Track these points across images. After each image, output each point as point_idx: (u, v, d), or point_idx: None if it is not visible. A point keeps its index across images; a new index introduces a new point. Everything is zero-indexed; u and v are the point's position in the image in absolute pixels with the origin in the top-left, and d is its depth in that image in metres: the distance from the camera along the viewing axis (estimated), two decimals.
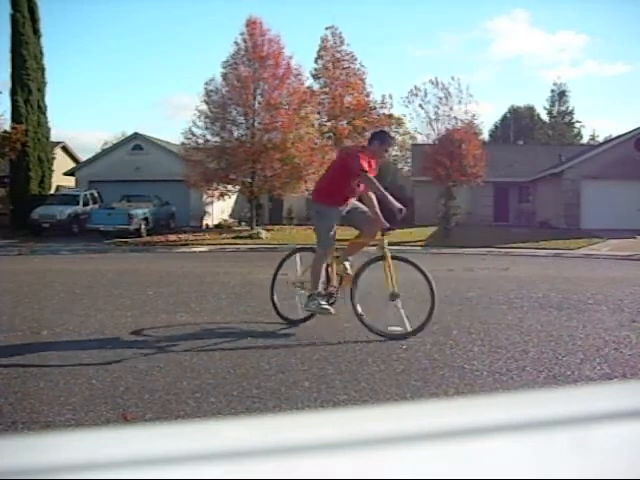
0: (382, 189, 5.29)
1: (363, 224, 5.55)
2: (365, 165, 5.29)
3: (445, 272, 10.60)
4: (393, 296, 5.19)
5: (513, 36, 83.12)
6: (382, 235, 5.36)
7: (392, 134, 5.66)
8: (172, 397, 3.50)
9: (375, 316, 5.18)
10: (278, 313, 5.68)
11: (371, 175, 5.31)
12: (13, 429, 2.99)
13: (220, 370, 4.06)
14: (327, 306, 5.35)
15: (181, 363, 4.26)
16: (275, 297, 5.75)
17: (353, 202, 5.64)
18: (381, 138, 5.55)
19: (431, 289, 5.08)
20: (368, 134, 27.00)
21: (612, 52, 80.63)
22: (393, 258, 5.32)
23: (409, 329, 4.96)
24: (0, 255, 15.73)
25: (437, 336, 5.07)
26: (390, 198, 5.24)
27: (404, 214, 5.31)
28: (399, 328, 4.98)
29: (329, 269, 5.58)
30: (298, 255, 5.81)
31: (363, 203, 5.68)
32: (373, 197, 5.62)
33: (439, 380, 3.84)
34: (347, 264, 5.59)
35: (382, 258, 5.28)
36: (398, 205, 5.24)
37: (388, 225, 5.36)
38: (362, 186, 5.53)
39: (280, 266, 5.85)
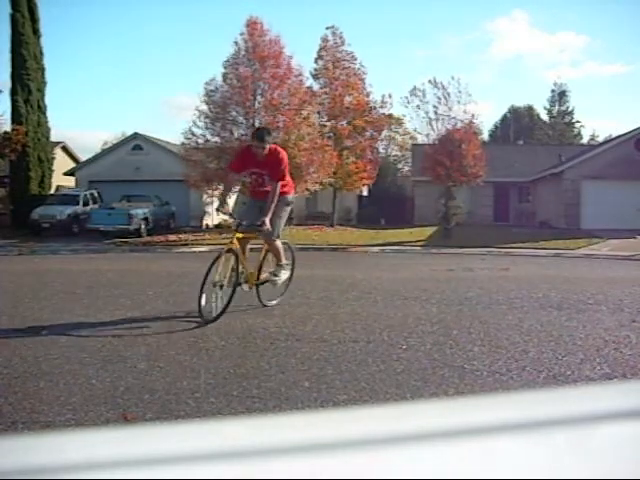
0: (225, 188, 6.60)
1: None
2: (232, 163, 6.51)
3: (445, 272, 10.61)
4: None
5: (513, 37, 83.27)
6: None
7: (263, 131, 6.23)
8: (172, 397, 3.50)
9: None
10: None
11: (237, 173, 6.55)
12: (13, 429, 2.99)
13: (220, 370, 4.06)
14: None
15: (181, 363, 4.26)
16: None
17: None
18: (252, 135, 6.35)
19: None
20: (368, 134, 27.11)
21: (612, 53, 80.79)
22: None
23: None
24: (0, 255, 15.73)
25: (437, 336, 5.07)
26: (222, 197, 6.50)
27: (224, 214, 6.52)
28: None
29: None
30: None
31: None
32: (274, 196, 6.02)
33: (439, 380, 3.84)
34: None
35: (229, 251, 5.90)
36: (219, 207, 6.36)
37: (243, 223, 6.03)
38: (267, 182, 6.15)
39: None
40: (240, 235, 5.99)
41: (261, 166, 6.03)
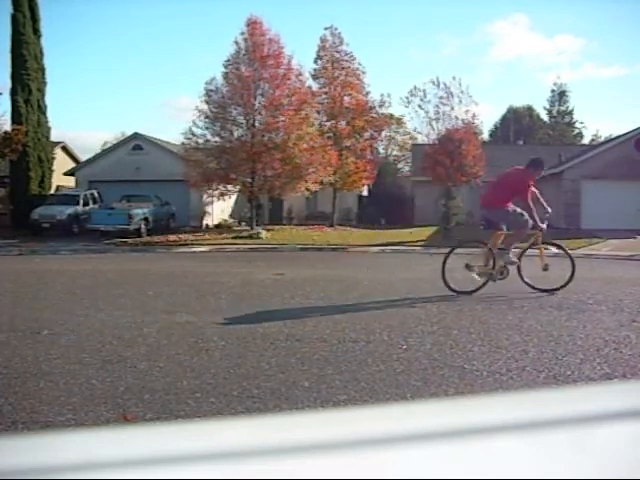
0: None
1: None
2: None
3: None
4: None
5: (513, 39, 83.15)
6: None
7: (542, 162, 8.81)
8: (172, 397, 3.50)
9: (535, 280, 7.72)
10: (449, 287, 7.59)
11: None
12: (13, 429, 2.99)
13: (220, 370, 4.06)
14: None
15: (181, 363, 4.26)
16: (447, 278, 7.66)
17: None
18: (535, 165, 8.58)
19: (572, 262, 7.88)
20: (368, 134, 27.05)
21: (609, 55, 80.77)
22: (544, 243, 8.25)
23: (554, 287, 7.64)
24: (0, 255, 15.73)
25: (437, 336, 5.07)
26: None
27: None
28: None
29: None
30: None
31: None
32: None
33: (439, 380, 3.84)
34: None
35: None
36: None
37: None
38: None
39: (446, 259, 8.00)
40: None
41: None
